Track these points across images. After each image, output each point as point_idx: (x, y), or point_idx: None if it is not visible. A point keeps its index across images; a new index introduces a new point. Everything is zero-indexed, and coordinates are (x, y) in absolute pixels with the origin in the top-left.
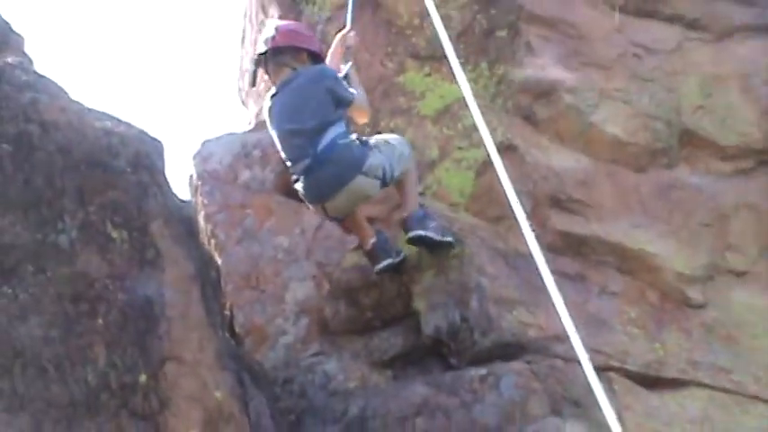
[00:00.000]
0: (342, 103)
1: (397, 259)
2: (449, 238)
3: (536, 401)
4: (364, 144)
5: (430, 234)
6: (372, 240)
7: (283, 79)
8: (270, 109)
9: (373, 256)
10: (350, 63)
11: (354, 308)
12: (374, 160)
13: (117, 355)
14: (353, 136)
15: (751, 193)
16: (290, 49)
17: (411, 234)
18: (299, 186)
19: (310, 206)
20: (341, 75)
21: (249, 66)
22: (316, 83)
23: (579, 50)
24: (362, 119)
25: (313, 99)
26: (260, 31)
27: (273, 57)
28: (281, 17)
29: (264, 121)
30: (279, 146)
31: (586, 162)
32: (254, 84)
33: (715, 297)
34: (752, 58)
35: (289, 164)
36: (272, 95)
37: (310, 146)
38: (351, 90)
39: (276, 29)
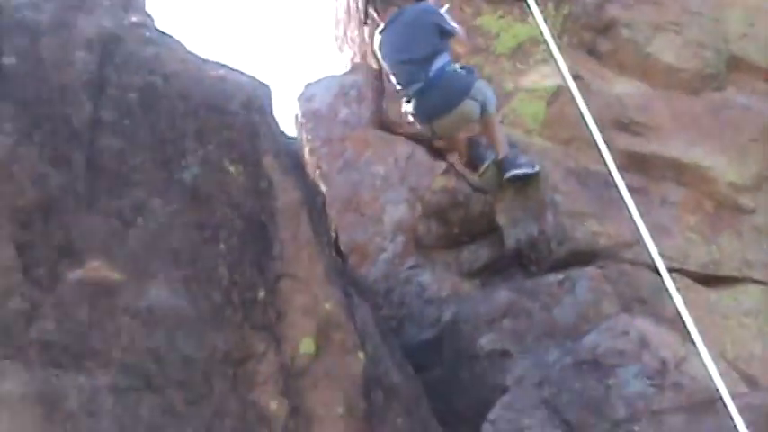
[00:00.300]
0: (446, 34)
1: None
2: (538, 168)
3: (608, 301)
4: (469, 71)
5: (526, 171)
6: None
7: (391, 17)
8: (380, 44)
9: (472, 162)
10: (447, 5)
11: (444, 225)
12: (479, 85)
13: (238, 274)
14: (456, 65)
15: None
16: None
17: (509, 175)
18: (409, 107)
19: (419, 125)
20: (443, 11)
21: (360, 5)
22: (422, 17)
23: None
24: (463, 49)
25: (421, 31)
26: None
27: None
28: None
29: (359, 64)
30: (391, 74)
31: (645, 88)
32: (365, 21)
33: (763, 203)
34: None
35: (400, 88)
36: (381, 32)
37: (422, 71)
38: (453, 23)
39: None
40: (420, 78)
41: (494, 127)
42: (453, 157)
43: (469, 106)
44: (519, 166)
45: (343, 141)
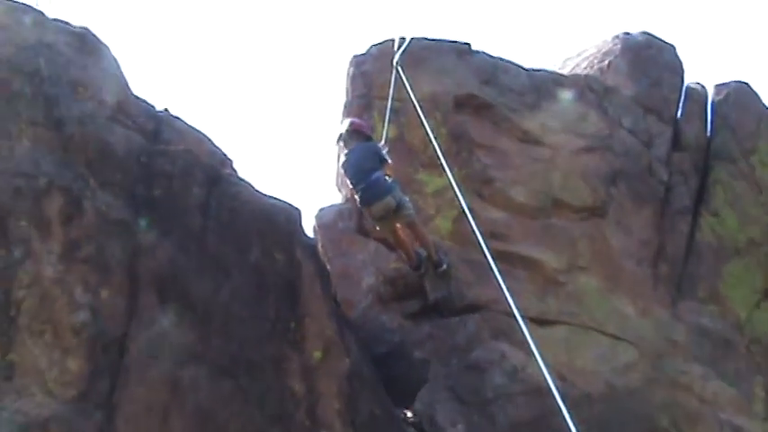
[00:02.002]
0: (383, 160)
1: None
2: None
3: (485, 332)
4: (394, 182)
5: (446, 266)
6: (418, 258)
7: (351, 147)
8: (345, 162)
9: (417, 265)
10: (386, 149)
11: (394, 289)
12: (397, 190)
13: (280, 313)
14: (388, 178)
15: (588, 229)
16: (356, 132)
17: (445, 266)
18: (357, 197)
19: (362, 208)
20: (384, 150)
21: (336, 138)
22: (370, 148)
23: (503, 160)
24: (390, 171)
25: (368, 156)
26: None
27: (347, 135)
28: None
29: (349, 198)
30: (347, 178)
31: (507, 215)
32: (338, 143)
33: (572, 279)
34: (585, 163)
35: (352, 185)
36: (346, 155)
37: (367, 177)
38: (387, 156)
39: (350, 123)
40: (364, 181)
41: (419, 230)
42: (400, 252)
43: (388, 200)
44: (445, 262)
45: (340, 241)
